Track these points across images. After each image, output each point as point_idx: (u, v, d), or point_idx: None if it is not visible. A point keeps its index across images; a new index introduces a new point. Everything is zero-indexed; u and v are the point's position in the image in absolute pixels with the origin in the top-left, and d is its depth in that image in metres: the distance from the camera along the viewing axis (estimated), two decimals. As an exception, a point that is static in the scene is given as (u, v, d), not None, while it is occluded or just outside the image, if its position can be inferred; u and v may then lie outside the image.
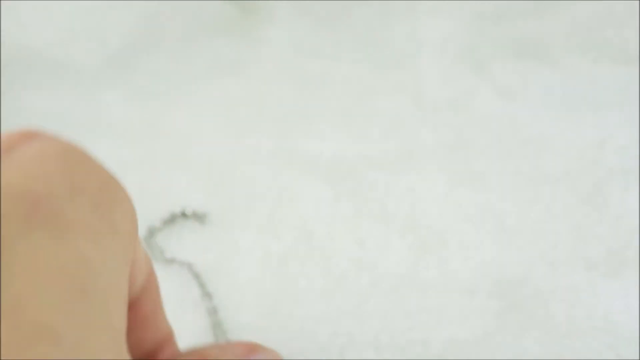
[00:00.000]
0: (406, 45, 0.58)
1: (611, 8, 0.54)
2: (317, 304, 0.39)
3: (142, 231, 0.44)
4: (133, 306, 0.16)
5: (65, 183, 0.12)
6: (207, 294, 0.40)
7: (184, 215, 0.45)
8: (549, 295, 0.38)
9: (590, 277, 0.39)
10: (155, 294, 0.17)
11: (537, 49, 0.56)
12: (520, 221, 0.43)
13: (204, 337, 0.37)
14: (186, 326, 0.38)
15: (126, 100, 0.56)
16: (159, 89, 0.57)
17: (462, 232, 0.43)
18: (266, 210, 0.45)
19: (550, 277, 0.40)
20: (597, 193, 0.45)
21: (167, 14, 0.60)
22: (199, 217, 0.45)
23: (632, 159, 0.47)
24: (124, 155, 0.50)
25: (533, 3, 0.57)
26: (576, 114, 0.51)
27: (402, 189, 0.47)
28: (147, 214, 0.45)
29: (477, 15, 0.58)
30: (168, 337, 0.18)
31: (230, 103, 0.55)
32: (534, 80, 0.54)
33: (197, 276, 0.41)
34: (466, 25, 0.58)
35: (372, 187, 0.47)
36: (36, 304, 0.10)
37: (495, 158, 0.48)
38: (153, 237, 0.44)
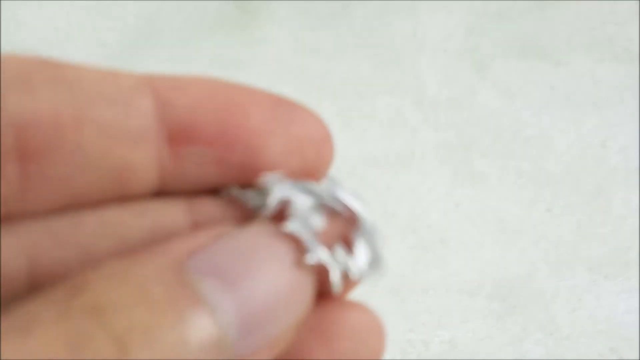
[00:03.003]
0: (406, 44, 0.58)
1: (614, 6, 0.54)
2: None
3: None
4: None
5: None
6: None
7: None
8: (550, 296, 0.38)
9: (593, 279, 0.39)
10: None
11: (539, 47, 0.56)
12: (522, 221, 0.43)
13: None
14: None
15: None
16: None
17: (463, 233, 0.43)
18: (265, 211, 0.45)
19: (552, 279, 0.39)
20: (599, 193, 0.44)
21: (166, 13, 0.60)
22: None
23: (635, 159, 0.46)
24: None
25: (535, 2, 0.57)
26: (578, 113, 0.50)
27: (402, 188, 0.46)
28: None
29: (478, 14, 0.58)
30: None
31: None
32: (535, 79, 0.54)
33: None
34: (467, 24, 0.58)
35: (372, 187, 0.46)
36: None
37: (496, 157, 0.48)
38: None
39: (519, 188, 0.45)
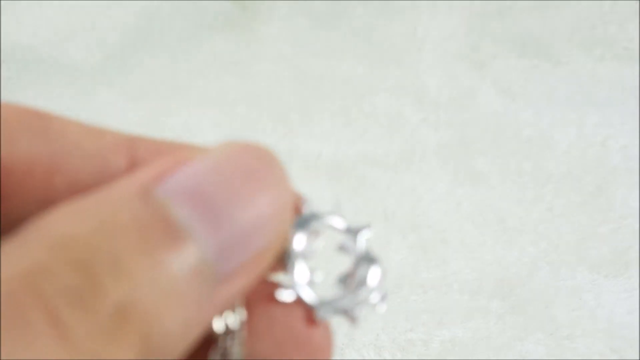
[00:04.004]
0: (407, 43, 0.58)
1: (614, 6, 0.54)
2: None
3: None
4: None
5: None
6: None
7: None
8: (551, 296, 0.38)
9: (593, 278, 0.39)
10: None
11: (540, 46, 0.56)
12: (522, 221, 0.43)
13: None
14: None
15: (124, 99, 0.55)
16: (158, 87, 0.57)
17: (464, 232, 0.43)
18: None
19: (552, 278, 0.39)
20: (600, 193, 0.44)
21: (166, 12, 0.60)
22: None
23: (636, 158, 0.46)
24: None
25: (535, 1, 0.57)
26: (578, 113, 0.50)
27: (402, 188, 0.46)
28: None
29: (478, 13, 0.58)
30: None
31: (229, 102, 0.55)
32: (536, 78, 0.54)
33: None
34: (467, 23, 0.58)
35: (372, 187, 0.46)
36: None
37: (496, 157, 0.48)
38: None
39: (520, 187, 0.45)
